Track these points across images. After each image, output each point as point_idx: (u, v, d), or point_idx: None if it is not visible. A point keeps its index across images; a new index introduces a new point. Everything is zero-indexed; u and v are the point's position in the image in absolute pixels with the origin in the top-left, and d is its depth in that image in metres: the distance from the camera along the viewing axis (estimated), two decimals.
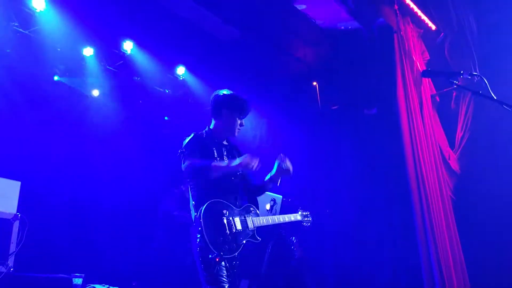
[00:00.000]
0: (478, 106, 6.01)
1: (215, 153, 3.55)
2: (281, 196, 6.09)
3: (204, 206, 3.30)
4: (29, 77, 6.39)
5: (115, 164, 6.90)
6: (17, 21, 5.85)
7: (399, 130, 5.82)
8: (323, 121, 7.46)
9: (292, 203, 6.39)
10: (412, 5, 6.26)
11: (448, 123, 6.13)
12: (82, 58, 6.51)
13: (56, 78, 6.77)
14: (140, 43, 6.61)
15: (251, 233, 3.51)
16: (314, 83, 7.27)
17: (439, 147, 5.90)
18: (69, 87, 6.91)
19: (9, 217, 4.51)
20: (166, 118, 7.99)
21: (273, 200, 6.01)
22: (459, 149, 6.04)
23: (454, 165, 5.97)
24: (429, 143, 5.79)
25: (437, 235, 5.34)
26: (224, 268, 3.28)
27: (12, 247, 4.45)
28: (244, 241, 3.44)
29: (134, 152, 7.11)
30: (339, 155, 7.40)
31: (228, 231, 3.34)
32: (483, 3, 6.33)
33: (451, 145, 6.07)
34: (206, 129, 3.71)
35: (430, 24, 6.52)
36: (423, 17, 6.45)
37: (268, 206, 5.97)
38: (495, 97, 3.31)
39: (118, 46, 6.52)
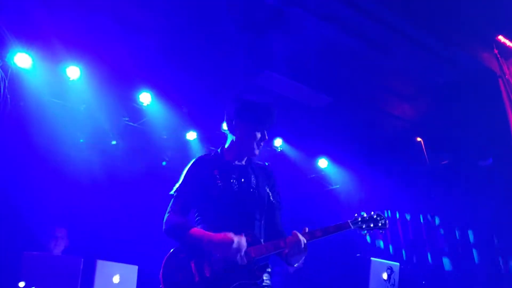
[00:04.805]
0: None
1: (218, 177, 2.77)
2: (398, 264, 5.68)
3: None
4: (140, 164, 6.89)
5: None
6: (127, 115, 6.42)
7: None
8: (432, 178, 7.06)
9: (411, 270, 5.95)
10: None
11: None
12: (187, 142, 6.89)
13: (164, 163, 7.21)
14: None
15: (244, 271, 2.52)
16: (419, 139, 6.97)
17: None
18: (176, 171, 7.27)
19: None
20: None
21: (390, 268, 5.61)
22: None
23: None
24: None
25: None
26: None
27: None
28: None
29: None
30: (455, 212, 6.91)
31: (198, 278, 2.53)
32: None
33: None
34: (219, 150, 2.97)
35: None
36: None
37: (385, 276, 5.57)
38: None
39: (218, 127, 6.83)
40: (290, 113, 6.95)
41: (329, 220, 7.46)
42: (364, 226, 2.85)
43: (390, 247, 7.59)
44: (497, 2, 5.10)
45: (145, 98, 6.13)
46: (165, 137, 6.74)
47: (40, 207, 5.92)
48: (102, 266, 5.03)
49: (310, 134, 7.28)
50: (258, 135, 2.83)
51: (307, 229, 2.71)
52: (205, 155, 2.99)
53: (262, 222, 2.83)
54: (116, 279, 5.00)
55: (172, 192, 2.84)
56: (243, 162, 2.94)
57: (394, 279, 5.66)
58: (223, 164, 2.88)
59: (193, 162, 2.90)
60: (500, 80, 5.74)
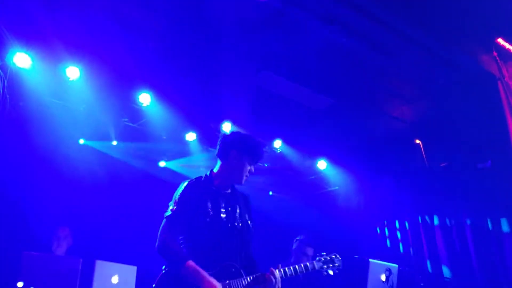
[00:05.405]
0: None
1: (209, 206, 3.06)
2: (396, 265, 5.68)
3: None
4: (139, 165, 6.90)
5: None
6: (127, 116, 6.42)
7: None
8: (431, 179, 7.06)
9: (409, 272, 5.94)
10: None
11: None
12: (186, 143, 6.89)
13: (161, 164, 7.22)
14: (237, 122, 6.87)
15: None
16: (417, 141, 6.98)
17: None
18: (174, 172, 7.30)
19: None
20: (270, 193, 8.10)
21: (388, 270, 5.60)
22: None
23: None
24: None
25: None
26: None
27: None
28: None
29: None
30: (453, 214, 6.93)
31: None
32: None
33: None
34: (207, 173, 3.27)
35: None
36: None
37: (383, 277, 5.57)
38: None
39: (218, 128, 6.82)
40: (290, 114, 6.96)
41: (326, 222, 7.46)
42: (325, 267, 3.47)
43: (388, 242, 7.60)
44: (497, 5, 5.10)
45: (145, 98, 6.13)
46: (164, 137, 6.74)
47: (40, 207, 5.93)
48: (101, 266, 5.02)
49: (309, 136, 7.28)
50: (249, 168, 3.22)
51: (280, 266, 3.14)
52: (196, 179, 3.21)
53: (243, 252, 3.16)
54: (115, 279, 4.99)
55: (167, 214, 3.04)
56: (229, 190, 3.26)
57: (392, 281, 5.65)
58: (214, 191, 3.16)
59: (187, 186, 3.12)
60: (499, 83, 5.74)
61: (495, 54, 5.79)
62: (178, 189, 3.14)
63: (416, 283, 6.25)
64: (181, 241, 3.08)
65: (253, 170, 3.27)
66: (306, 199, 8.28)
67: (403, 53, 5.84)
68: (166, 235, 2.96)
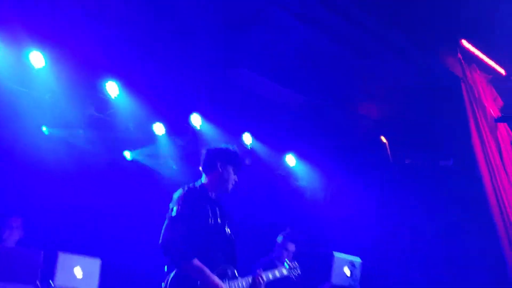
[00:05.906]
0: None
1: (210, 213, 3.28)
2: (360, 259, 5.80)
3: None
4: (105, 156, 6.80)
5: None
6: (94, 106, 6.28)
7: (480, 179, 5.54)
8: (395, 176, 7.24)
9: (372, 267, 6.08)
10: (476, 52, 6.07)
11: None
12: (153, 134, 6.81)
13: (126, 154, 7.13)
14: (207, 116, 6.82)
15: None
16: (383, 139, 7.14)
17: None
18: (142, 165, 7.22)
19: None
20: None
21: (352, 263, 5.71)
22: None
23: None
24: None
25: None
26: None
27: None
28: None
29: None
30: (416, 209, 7.12)
31: None
32: None
33: None
34: (199, 183, 3.47)
35: (499, 69, 6.26)
36: (490, 62, 6.21)
37: (347, 270, 5.67)
38: None
39: (187, 121, 6.75)
40: (259, 109, 6.97)
41: (292, 216, 7.50)
42: (292, 273, 4.04)
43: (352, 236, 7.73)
44: (462, 7, 5.23)
45: (112, 88, 6.01)
46: (132, 129, 6.64)
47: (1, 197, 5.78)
48: (64, 259, 4.93)
49: (278, 131, 7.32)
50: (234, 177, 3.45)
51: (261, 270, 3.54)
52: (193, 186, 3.40)
53: (234, 256, 3.41)
54: (78, 272, 4.90)
55: (172, 214, 3.18)
56: (216, 200, 3.46)
57: (356, 274, 5.77)
58: (210, 200, 3.37)
59: (187, 191, 3.31)
60: (462, 84, 5.92)
61: (459, 56, 5.97)
62: (177, 192, 3.31)
63: (379, 276, 6.39)
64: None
65: (236, 179, 3.50)
66: (274, 194, 8.33)
67: (371, 53, 5.95)
68: (171, 234, 3.10)
